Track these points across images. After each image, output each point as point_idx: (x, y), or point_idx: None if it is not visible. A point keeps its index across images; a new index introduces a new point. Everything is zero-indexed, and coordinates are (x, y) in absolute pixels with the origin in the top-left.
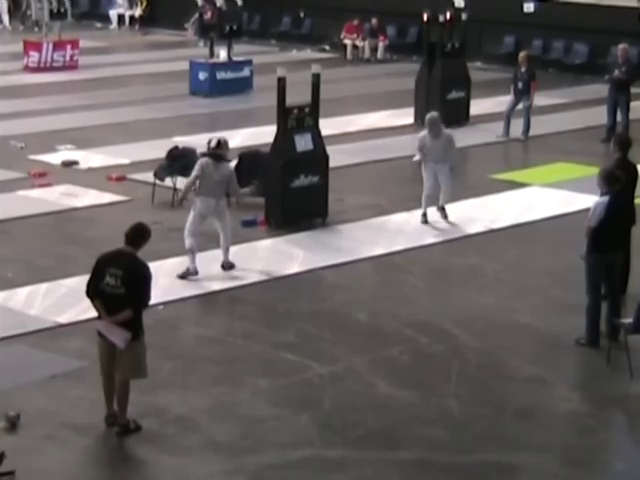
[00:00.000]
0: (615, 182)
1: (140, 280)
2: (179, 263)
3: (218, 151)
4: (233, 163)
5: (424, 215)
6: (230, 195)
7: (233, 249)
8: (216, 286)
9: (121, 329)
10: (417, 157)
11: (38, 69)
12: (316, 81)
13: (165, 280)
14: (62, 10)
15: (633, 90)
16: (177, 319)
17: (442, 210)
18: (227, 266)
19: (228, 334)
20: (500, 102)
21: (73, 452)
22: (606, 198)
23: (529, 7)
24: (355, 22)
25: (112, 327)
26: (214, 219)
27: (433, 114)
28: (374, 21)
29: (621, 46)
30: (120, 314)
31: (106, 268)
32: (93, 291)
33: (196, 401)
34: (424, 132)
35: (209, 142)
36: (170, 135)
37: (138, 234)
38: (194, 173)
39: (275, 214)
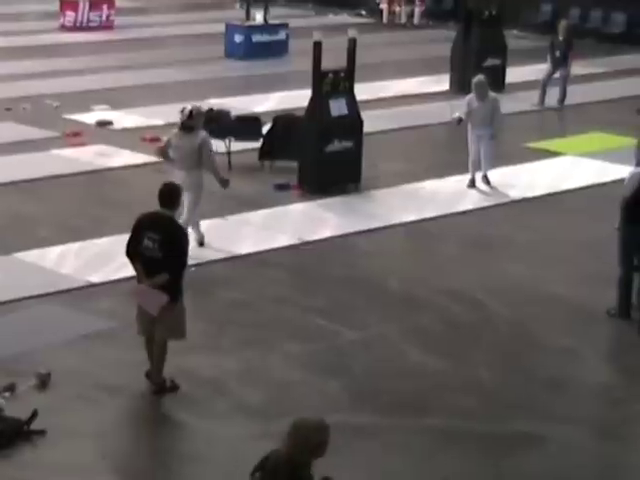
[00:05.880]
0: None
1: (177, 244)
2: (208, 225)
3: (189, 122)
4: (267, 127)
5: (471, 180)
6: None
7: (264, 212)
8: (247, 249)
9: (157, 293)
10: (457, 114)
11: (74, 28)
12: (352, 46)
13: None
14: None
15: None
16: (208, 282)
17: (485, 178)
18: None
19: (259, 298)
20: (536, 70)
21: (103, 412)
22: None
23: None
24: None
25: (147, 294)
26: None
27: (480, 77)
28: None
29: None
30: (157, 277)
31: (144, 231)
32: (133, 252)
33: (226, 364)
34: (471, 95)
35: (182, 111)
36: (205, 97)
37: (174, 195)
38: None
39: (309, 179)
